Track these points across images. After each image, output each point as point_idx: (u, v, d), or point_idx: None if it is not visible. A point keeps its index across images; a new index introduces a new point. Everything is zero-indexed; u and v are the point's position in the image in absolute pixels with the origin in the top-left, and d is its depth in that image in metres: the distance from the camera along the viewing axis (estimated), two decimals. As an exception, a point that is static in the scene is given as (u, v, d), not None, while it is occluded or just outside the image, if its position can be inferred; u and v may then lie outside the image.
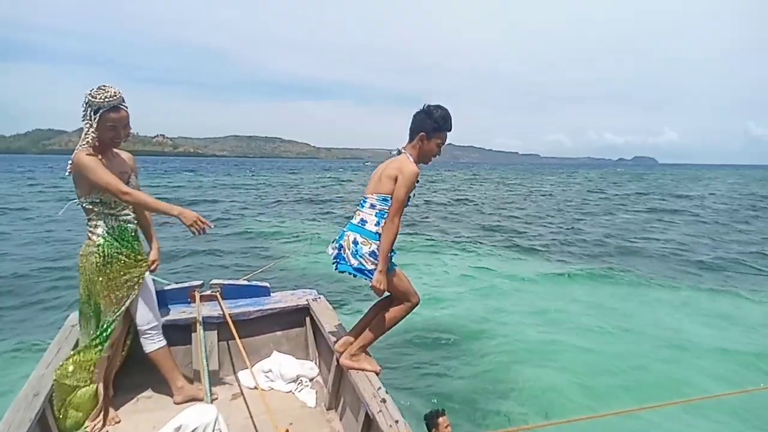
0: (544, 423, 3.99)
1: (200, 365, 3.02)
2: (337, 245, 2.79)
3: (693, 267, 11.39)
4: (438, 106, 2.73)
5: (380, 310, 2.96)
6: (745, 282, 10.13)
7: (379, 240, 2.69)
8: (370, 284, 2.66)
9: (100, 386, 2.98)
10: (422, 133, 2.74)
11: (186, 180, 47.14)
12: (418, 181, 2.73)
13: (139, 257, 3.09)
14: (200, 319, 3.50)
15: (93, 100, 2.76)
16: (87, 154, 2.79)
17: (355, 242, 2.71)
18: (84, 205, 2.90)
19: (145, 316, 3.13)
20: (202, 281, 3.91)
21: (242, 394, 3.37)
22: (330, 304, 4.01)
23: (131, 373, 3.34)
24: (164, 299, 3.65)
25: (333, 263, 2.81)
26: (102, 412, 2.99)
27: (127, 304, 3.01)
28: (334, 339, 3.36)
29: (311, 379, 3.64)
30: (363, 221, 2.76)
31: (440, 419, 3.33)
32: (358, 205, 2.87)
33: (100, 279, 2.90)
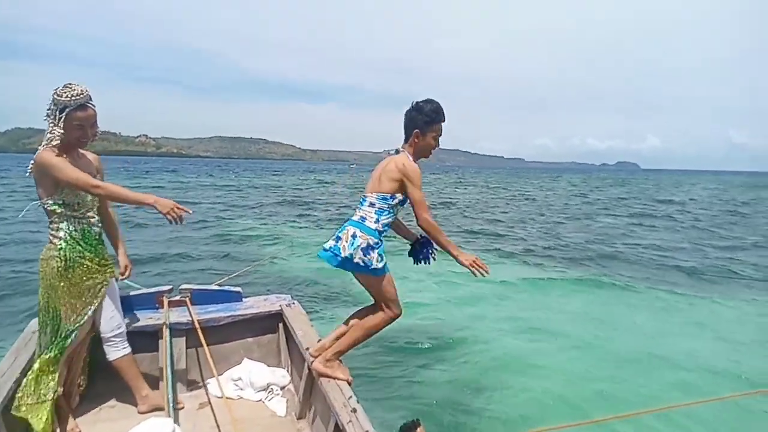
0: None
1: (163, 373, 2.95)
2: (335, 237, 2.82)
3: (673, 272, 11.50)
4: (428, 100, 2.79)
5: (360, 317, 2.97)
6: (723, 288, 10.26)
7: (377, 237, 2.76)
8: (460, 261, 2.66)
9: (61, 397, 2.89)
10: (416, 131, 2.80)
11: (166, 181, 46.57)
12: None
13: (103, 262, 3.01)
14: (167, 325, 3.42)
15: (59, 98, 2.70)
16: (52, 154, 2.72)
17: (354, 236, 2.74)
18: (46, 206, 2.82)
19: (109, 323, 3.05)
20: (171, 286, 3.84)
21: (209, 403, 3.31)
22: (304, 309, 3.96)
23: (94, 382, 3.26)
24: (130, 305, 3.57)
25: (327, 254, 2.83)
26: (63, 423, 2.91)
27: (90, 312, 2.93)
28: (306, 346, 3.31)
29: (282, 387, 3.58)
30: (363, 218, 2.80)
31: (417, 430, 3.29)
32: (358, 203, 2.91)
33: (62, 284, 2.82)
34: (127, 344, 3.12)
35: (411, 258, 3.09)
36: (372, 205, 2.82)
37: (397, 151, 2.90)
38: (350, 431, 2.43)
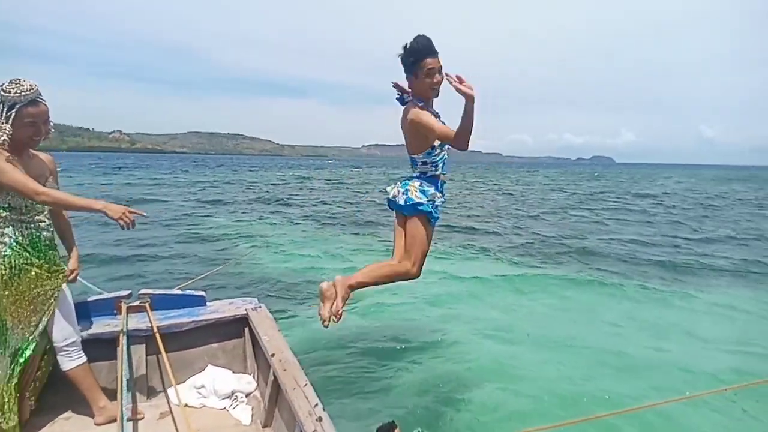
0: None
1: (118, 382, 2.84)
2: (403, 189, 2.83)
3: (647, 266, 11.65)
4: (414, 38, 2.63)
5: (388, 264, 2.86)
6: (698, 281, 10.50)
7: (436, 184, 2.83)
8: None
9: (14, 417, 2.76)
10: (409, 76, 2.74)
11: (137, 177, 45.60)
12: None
13: (54, 268, 2.88)
14: (124, 332, 3.30)
15: (7, 94, 2.57)
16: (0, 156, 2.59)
17: (421, 187, 2.80)
18: (-10, 210, 2.68)
19: (62, 332, 2.93)
20: (129, 291, 3.71)
21: (171, 412, 3.20)
22: (272, 313, 3.87)
23: (49, 393, 3.13)
24: (87, 311, 3.44)
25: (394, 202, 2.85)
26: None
27: (43, 323, 2.80)
28: (272, 351, 3.23)
29: (248, 395, 3.49)
30: (423, 173, 2.87)
31: None
32: (410, 165, 2.96)
33: (6, 293, 2.68)
34: (82, 353, 3.00)
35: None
36: (425, 163, 2.84)
37: (404, 102, 2.88)
38: None
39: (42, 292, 2.79)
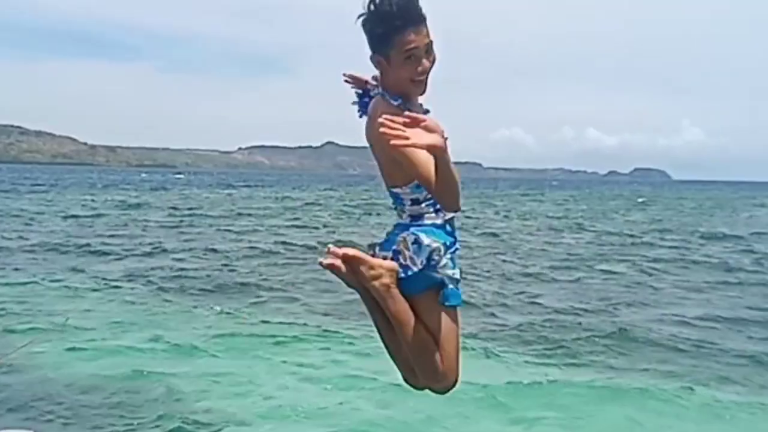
0: None
1: None
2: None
3: (728, 366, 11.91)
4: None
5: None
6: None
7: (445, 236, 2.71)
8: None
9: None
10: (376, 57, 2.60)
11: None
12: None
13: None
14: None
15: None
16: None
17: (416, 242, 2.64)
18: None
19: None
20: None
21: None
22: None
23: None
24: None
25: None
26: None
27: None
28: None
29: None
30: (415, 217, 2.76)
31: None
32: (392, 203, 2.95)
33: None
34: None
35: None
36: (416, 201, 2.73)
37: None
38: None
39: None
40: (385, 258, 2.70)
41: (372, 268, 2.57)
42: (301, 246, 28.52)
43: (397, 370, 2.95)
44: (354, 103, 2.90)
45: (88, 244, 25.95)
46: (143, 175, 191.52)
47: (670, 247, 31.63)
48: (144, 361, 10.80)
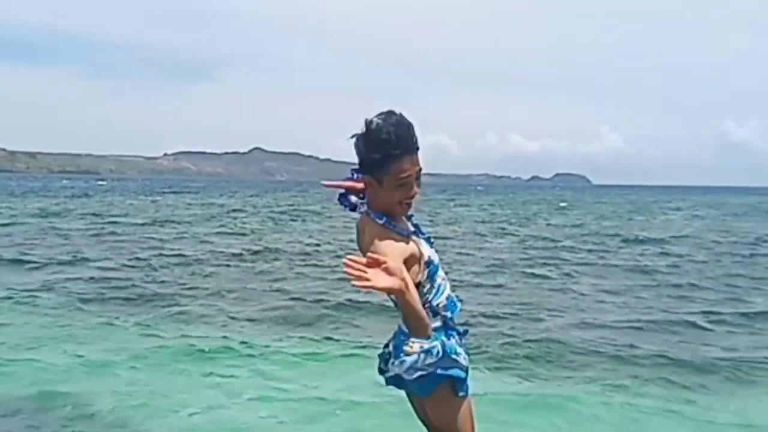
0: None
1: None
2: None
3: (649, 368, 12.25)
4: (384, 116, 2.71)
5: None
6: (737, 393, 11.29)
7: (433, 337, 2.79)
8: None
9: None
10: (365, 178, 2.81)
11: None
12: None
13: None
14: None
15: None
16: None
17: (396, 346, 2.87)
18: None
19: None
20: None
21: None
22: None
23: None
24: None
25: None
26: None
27: None
28: None
29: None
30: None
31: None
32: None
33: None
34: None
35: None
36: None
37: (355, 207, 2.95)
38: None
39: None
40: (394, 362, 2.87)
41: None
42: (227, 253, 28.13)
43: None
44: (339, 200, 2.98)
45: (2, 254, 25.11)
46: (65, 181, 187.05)
47: (590, 251, 32.49)
48: (55, 378, 10.32)
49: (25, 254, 25.12)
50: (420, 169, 2.72)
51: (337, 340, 13.43)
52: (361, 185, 2.89)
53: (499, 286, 21.72)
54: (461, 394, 2.84)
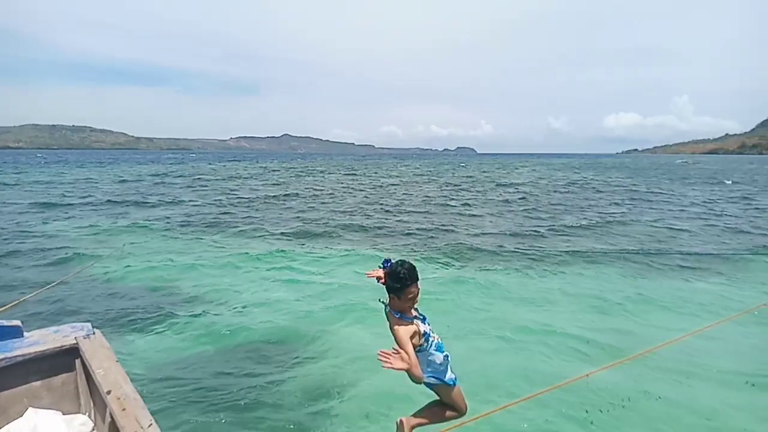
0: None
1: None
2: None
3: (507, 256, 12.60)
4: (400, 264, 3.00)
5: (440, 406, 3.35)
6: (547, 266, 11.53)
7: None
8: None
9: None
10: (392, 294, 3.03)
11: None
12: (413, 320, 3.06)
13: None
14: None
15: None
16: None
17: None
18: None
19: None
20: None
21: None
22: (109, 341, 3.41)
23: None
24: None
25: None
26: None
27: None
28: (107, 388, 2.84)
29: (83, 437, 3.05)
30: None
31: None
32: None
33: None
34: None
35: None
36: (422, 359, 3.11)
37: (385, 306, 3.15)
38: None
39: None
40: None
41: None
42: (269, 195, 27.88)
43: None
44: (378, 282, 3.11)
45: (132, 199, 24.47)
46: (170, 155, 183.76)
47: (477, 191, 33.33)
48: (162, 274, 10.21)
49: (146, 199, 24.57)
50: (419, 288, 3.01)
51: (336, 247, 13.36)
52: (382, 273, 3.11)
53: (427, 212, 21.78)
54: (453, 385, 3.21)
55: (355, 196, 28.19)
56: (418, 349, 3.05)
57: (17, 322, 3.37)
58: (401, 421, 3.26)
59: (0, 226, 15.75)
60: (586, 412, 5.07)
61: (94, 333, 3.46)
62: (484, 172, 64.35)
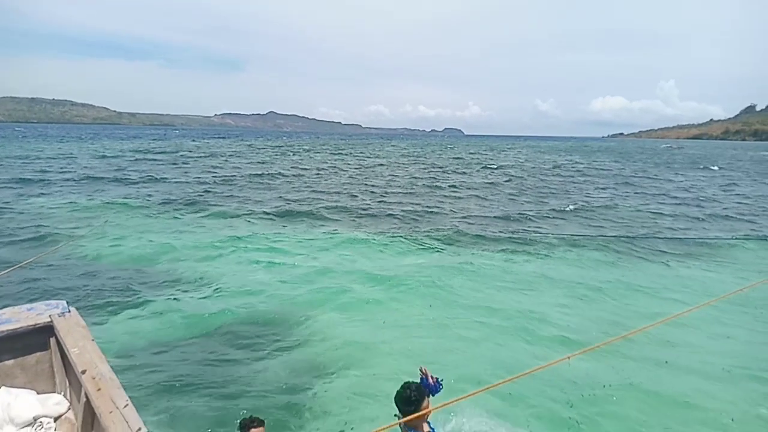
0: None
1: None
2: None
3: (491, 238, 12.67)
4: (406, 387, 3.17)
5: None
6: (530, 248, 11.64)
7: None
8: None
9: None
10: (408, 417, 3.11)
11: None
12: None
13: None
14: None
15: None
16: None
17: None
18: None
19: None
20: None
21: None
22: (84, 318, 3.36)
23: None
24: None
25: None
26: None
27: None
28: (82, 368, 2.79)
29: (58, 418, 3.04)
30: None
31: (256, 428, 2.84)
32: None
33: None
34: None
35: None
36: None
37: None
38: None
39: None
40: None
41: None
42: (251, 174, 27.50)
43: None
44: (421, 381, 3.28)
45: (113, 176, 24.04)
46: (152, 131, 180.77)
47: (464, 173, 33.26)
48: (143, 251, 10.14)
49: (126, 176, 24.16)
50: (428, 406, 3.15)
51: (319, 228, 13.30)
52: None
53: (413, 193, 21.74)
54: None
55: (340, 177, 28.03)
56: None
57: None
58: None
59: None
60: (565, 393, 5.15)
61: (69, 311, 3.41)
62: (471, 153, 64.37)
